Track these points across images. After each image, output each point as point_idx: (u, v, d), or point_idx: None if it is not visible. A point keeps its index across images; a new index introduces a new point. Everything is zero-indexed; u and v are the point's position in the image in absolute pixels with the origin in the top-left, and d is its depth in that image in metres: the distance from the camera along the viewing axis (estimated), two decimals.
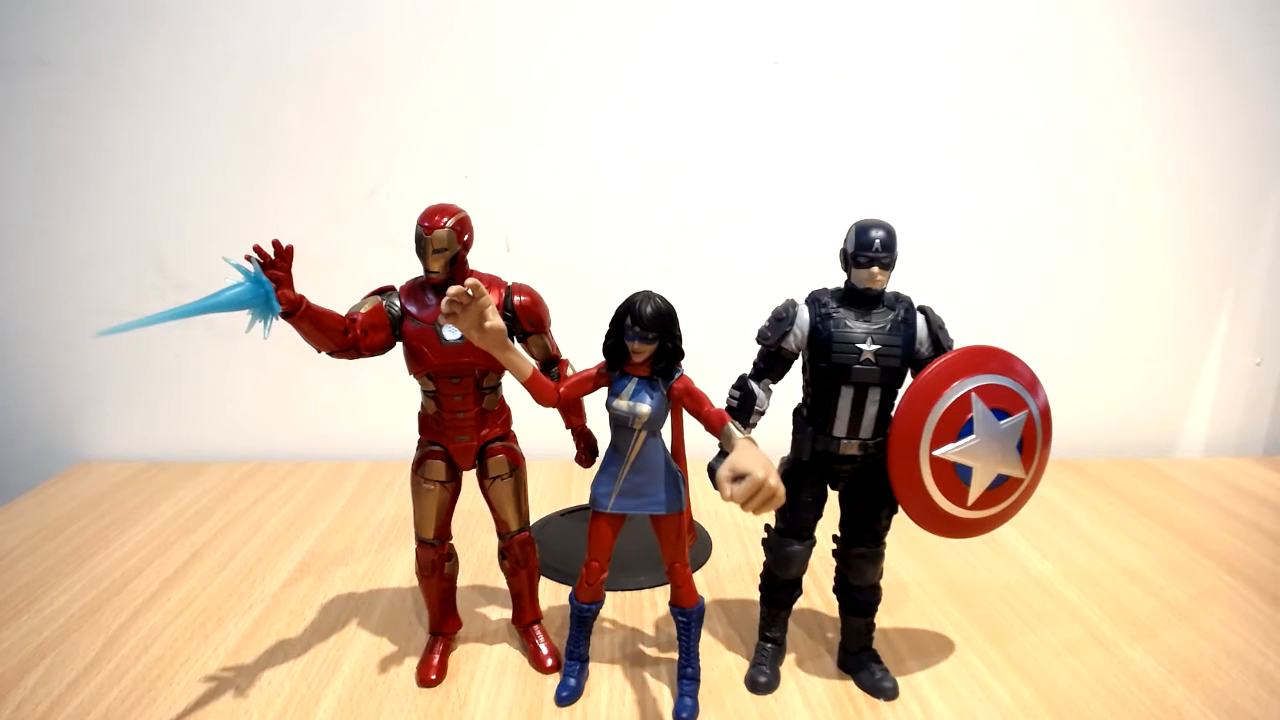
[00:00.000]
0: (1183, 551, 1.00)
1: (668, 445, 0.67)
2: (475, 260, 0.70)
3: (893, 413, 0.67)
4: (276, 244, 0.61)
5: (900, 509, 0.69)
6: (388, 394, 1.03)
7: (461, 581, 0.81)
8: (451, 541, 0.76)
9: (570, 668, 0.72)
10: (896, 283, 0.68)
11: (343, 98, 1.19)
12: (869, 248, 0.65)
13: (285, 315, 0.61)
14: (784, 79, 1.21)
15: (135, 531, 1.04)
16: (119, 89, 1.17)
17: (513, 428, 0.76)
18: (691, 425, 0.65)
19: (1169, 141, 1.26)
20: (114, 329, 0.57)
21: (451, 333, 0.67)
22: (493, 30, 1.18)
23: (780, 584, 0.75)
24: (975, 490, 0.66)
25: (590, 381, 0.66)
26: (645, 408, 0.63)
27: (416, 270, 0.69)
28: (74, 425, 1.31)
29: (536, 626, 0.79)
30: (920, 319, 0.68)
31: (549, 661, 0.76)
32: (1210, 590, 0.91)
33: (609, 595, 0.82)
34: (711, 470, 0.69)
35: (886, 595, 0.75)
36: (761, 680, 0.73)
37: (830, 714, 0.70)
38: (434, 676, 0.73)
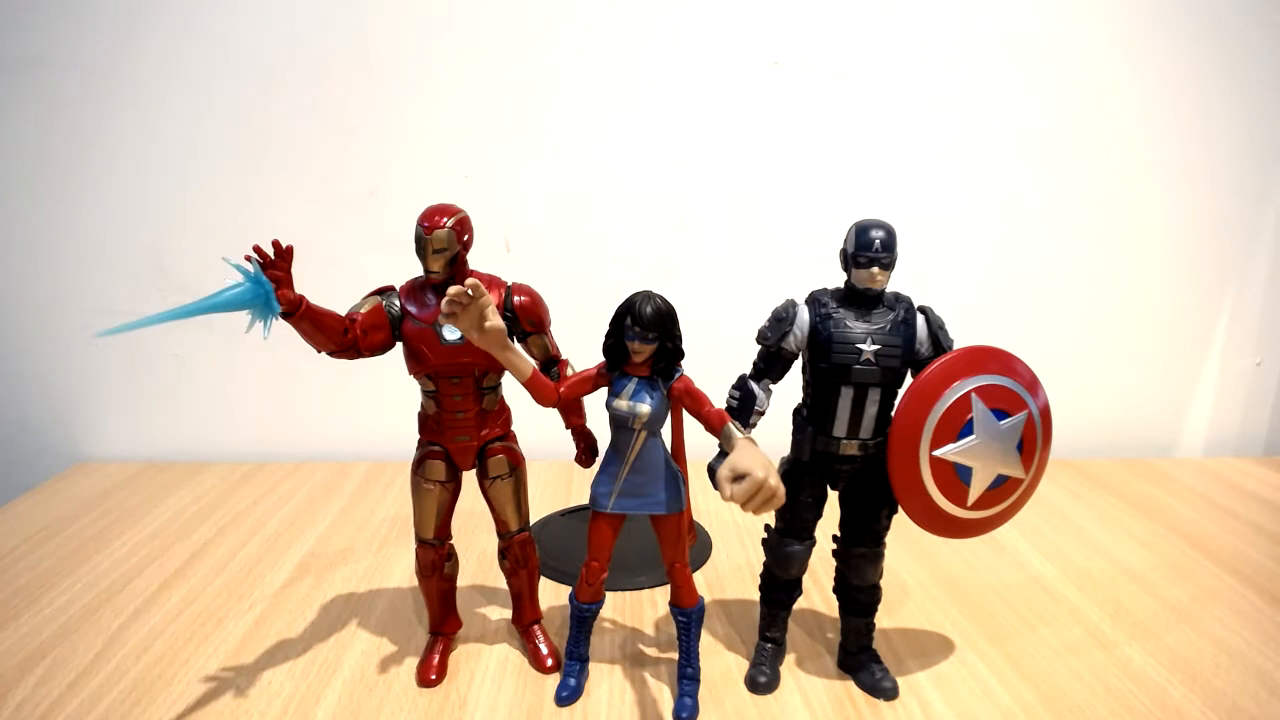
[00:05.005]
0: (1183, 551, 1.00)
1: (668, 445, 0.67)
2: (475, 260, 0.70)
3: (893, 413, 0.67)
4: (276, 244, 0.61)
5: (900, 509, 0.69)
6: (388, 394, 1.03)
7: (461, 581, 0.81)
8: (451, 541, 0.76)
9: (570, 668, 0.72)
10: (897, 283, 0.68)
11: (343, 98, 1.19)
12: (869, 248, 0.65)
13: (285, 315, 0.61)
14: (784, 79, 1.21)
15: (135, 531, 1.04)
16: (118, 89, 1.17)
17: (513, 428, 0.76)
18: (691, 425, 0.65)
19: (1169, 142, 1.26)
20: (114, 329, 0.57)
21: (451, 333, 0.67)
22: (493, 30, 1.18)
23: (780, 584, 0.75)
24: (975, 490, 0.66)
25: (590, 381, 0.66)
26: (645, 408, 0.63)
27: (416, 270, 0.69)
28: (74, 425, 1.31)
29: (536, 626, 0.79)
30: (920, 319, 0.68)
31: (549, 661, 0.76)
32: (1210, 590, 0.91)
33: (609, 595, 0.82)
34: (711, 470, 0.69)
35: (886, 595, 0.75)
36: (761, 680, 0.73)
37: (830, 714, 0.70)
38: (434, 676, 0.73)
